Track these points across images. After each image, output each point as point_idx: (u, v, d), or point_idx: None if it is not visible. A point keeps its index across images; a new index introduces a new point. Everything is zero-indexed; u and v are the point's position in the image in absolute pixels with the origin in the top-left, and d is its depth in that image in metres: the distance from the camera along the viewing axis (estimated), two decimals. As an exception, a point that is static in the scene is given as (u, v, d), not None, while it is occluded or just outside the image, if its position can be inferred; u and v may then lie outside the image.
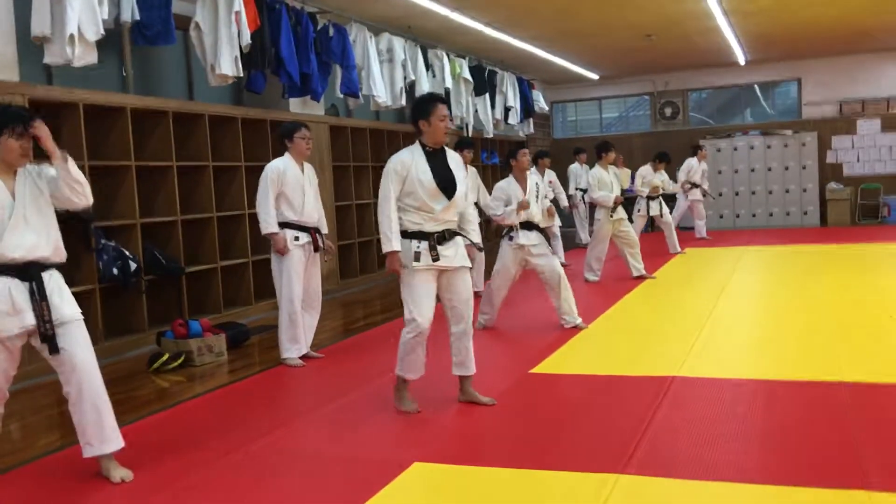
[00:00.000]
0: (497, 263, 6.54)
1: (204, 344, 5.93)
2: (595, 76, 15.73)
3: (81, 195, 3.44)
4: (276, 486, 3.39)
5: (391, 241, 4.19)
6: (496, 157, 13.99)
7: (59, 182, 3.39)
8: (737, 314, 6.80)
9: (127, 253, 6.31)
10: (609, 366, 5.19)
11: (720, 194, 15.37)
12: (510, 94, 13.41)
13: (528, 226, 6.32)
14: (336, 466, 3.59)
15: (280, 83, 7.91)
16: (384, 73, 9.57)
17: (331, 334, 6.80)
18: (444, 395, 4.55)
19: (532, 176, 6.47)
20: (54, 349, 3.39)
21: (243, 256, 7.84)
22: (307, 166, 5.66)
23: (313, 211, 5.65)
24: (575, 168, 12.47)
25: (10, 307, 3.33)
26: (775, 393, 4.37)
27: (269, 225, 5.50)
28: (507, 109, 13.40)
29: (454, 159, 4.38)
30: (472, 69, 11.92)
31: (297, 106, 8.67)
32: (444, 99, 4.38)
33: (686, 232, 12.84)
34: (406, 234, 4.24)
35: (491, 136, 12.95)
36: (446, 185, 4.24)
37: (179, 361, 5.78)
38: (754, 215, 15.35)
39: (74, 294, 3.60)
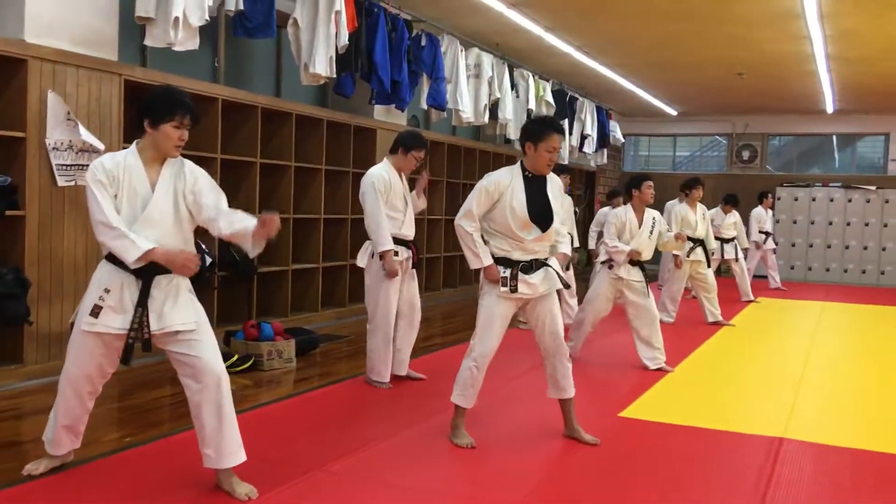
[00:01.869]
0: (590, 291, 6.24)
1: (274, 348, 5.70)
2: (674, 112, 15.35)
3: (237, 242, 3.26)
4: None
5: (480, 258, 3.97)
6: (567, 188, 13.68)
7: (236, 228, 3.18)
8: (831, 375, 6.35)
9: (203, 247, 6.13)
10: (705, 417, 4.81)
11: (793, 245, 14.84)
12: (588, 122, 13.11)
13: (633, 262, 6.02)
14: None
15: (369, 88, 7.71)
16: (470, 88, 9.35)
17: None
18: (539, 433, 4.25)
19: (650, 211, 6.16)
20: (126, 359, 3.18)
21: (314, 262, 7.63)
22: (403, 176, 5.38)
23: (412, 224, 5.30)
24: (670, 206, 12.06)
25: (117, 303, 3.13)
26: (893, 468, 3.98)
27: (386, 240, 5.00)
28: (583, 137, 13.10)
29: (555, 186, 4.10)
30: (554, 93, 11.66)
31: (381, 114, 8.48)
32: (562, 129, 4.05)
33: (757, 281, 12.33)
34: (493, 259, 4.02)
35: (566, 162, 12.63)
36: (541, 215, 3.98)
37: (248, 364, 5.56)
38: (828, 270, 14.78)
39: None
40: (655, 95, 13.65)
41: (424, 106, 8.77)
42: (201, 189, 3.22)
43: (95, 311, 3.14)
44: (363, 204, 5.13)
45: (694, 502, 3.43)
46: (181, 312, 3.19)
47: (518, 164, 4.06)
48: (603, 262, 6.17)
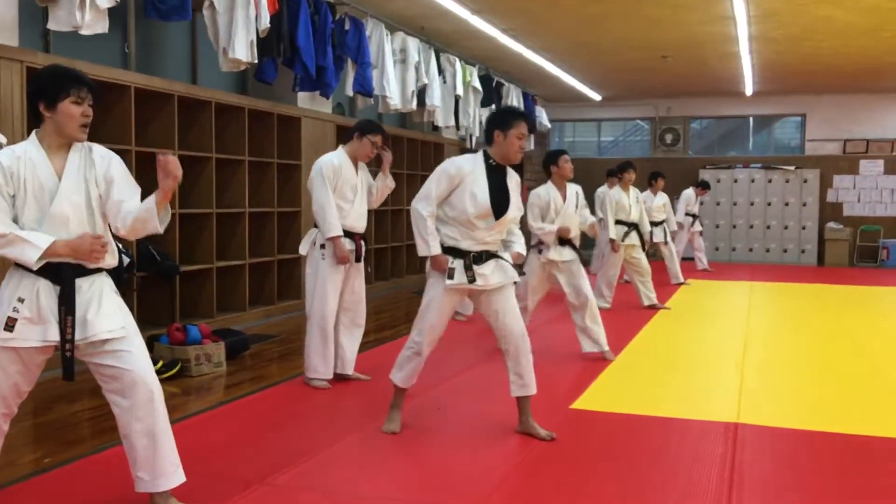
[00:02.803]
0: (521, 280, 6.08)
1: (202, 352, 5.34)
2: (598, 97, 15.38)
3: (143, 232, 2.93)
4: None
5: (429, 245, 3.85)
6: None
7: (133, 216, 2.85)
8: (772, 356, 6.32)
9: (121, 246, 5.69)
10: (656, 405, 4.69)
11: (717, 226, 15.08)
12: (515, 108, 12.97)
13: (563, 241, 5.86)
14: (383, 513, 3.06)
15: (292, 74, 7.36)
16: (397, 73, 9.06)
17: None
18: (492, 431, 4.05)
19: (571, 185, 6.00)
20: (68, 375, 2.80)
21: (240, 258, 7.25)
22: (362, 166, 5.05)
23: (362, 216, 5.03)
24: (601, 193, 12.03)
25: (34, 313, 2.77)
26: (861, 447, 3.92)
27: (333, 227, 4.78)
28: (510, 123, 12.96)
29: (514, 180, 3.99)
30: (480, 79, 11.47)
31: (305, 101, 8.12)
32: (529, 118, 3.97)
33: (685, 263, 12.44)
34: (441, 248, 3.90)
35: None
36: (499, 204, 3.86)
37: (175, 371, 5.18)
38: (751, 250, 15.07)
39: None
40: (580, 79, 13.61)
41: (350, 92, 8.44)
42: (114, 178, 2.88)
43: (10, 325, 2.77)
44: (311, 191, 4.91)
45: (661, 492, 3.28)
46: (108, 319, 2.84)
47: (481, 152, 3.95)
48: (532, 246, 5.99)
